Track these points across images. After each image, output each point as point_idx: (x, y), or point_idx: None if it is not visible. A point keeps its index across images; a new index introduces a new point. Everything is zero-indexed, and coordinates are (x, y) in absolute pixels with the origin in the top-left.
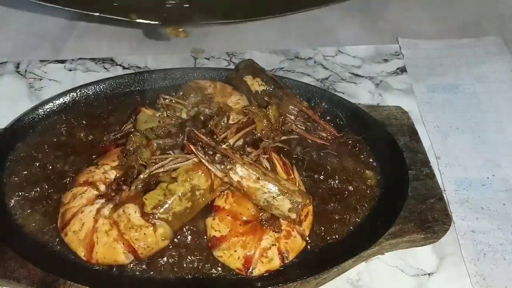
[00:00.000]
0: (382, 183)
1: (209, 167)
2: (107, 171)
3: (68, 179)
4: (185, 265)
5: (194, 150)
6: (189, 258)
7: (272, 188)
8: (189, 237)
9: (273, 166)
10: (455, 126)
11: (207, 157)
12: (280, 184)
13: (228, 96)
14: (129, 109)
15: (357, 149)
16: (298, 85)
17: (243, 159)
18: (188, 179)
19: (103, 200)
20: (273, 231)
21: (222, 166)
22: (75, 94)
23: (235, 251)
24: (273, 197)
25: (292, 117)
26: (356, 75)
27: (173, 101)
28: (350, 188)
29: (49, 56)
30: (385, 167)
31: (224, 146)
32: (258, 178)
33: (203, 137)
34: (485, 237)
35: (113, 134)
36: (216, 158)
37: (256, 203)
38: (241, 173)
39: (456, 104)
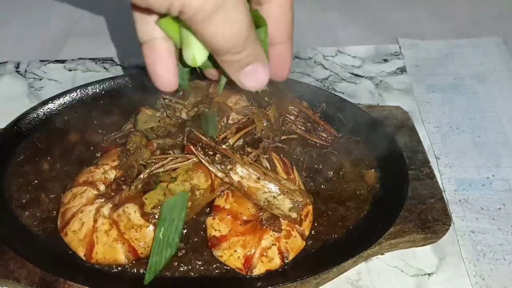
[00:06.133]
0: (382, 183)
1: (209, 167)
2: (107, 171)
3: (68, 179)
4: (185, 265)
5: (194, 150)
6: (189, 258)
7: (273, 187)
8: (189, 237)
9: (273, 166)
10: (455, 126)
11: (207, 157)
12: (281, 183)
13: (228, 96)
14: (129, 109)
15: (357, 149)
16: (299, 85)
17: (243, 159)
18: (188, 179)
19: (103, 200)
20: (273, 231)
21: (223, 166)
22: (75, 94)
23: (235, 250)
24: (274, 197)
25: (292, 117)
26: (356, 75)
27: (173, 101)
28: (350, 188)
29: (49, 56)
30: (385, 167)
31: (224, 146)
32: (259, 178)
33: (203, 137)
34: (484, 237)
35: (113, 134)
36: (216, 159)
37: (256, 203)
38: (241, 173)
39: (456, 104)
